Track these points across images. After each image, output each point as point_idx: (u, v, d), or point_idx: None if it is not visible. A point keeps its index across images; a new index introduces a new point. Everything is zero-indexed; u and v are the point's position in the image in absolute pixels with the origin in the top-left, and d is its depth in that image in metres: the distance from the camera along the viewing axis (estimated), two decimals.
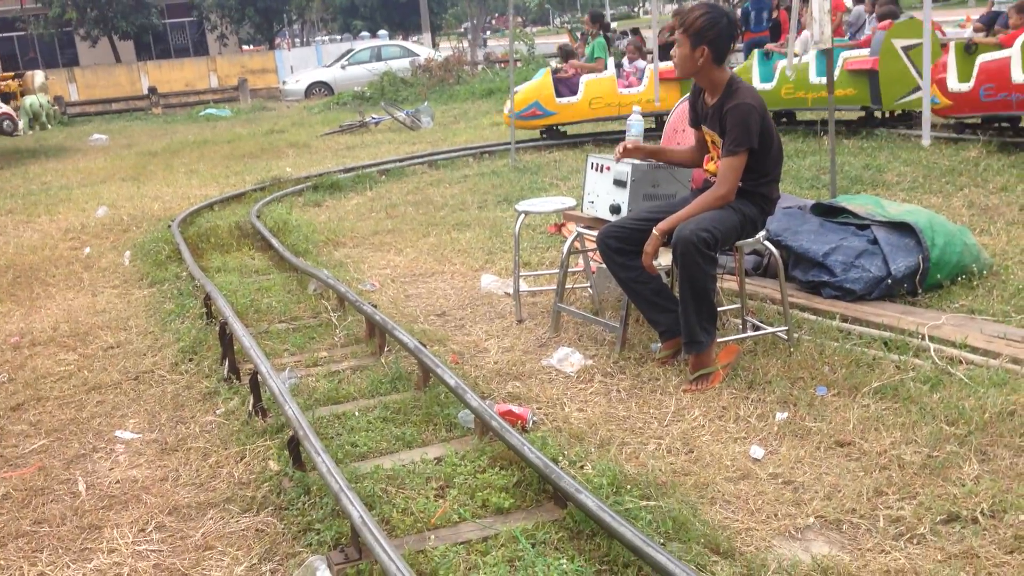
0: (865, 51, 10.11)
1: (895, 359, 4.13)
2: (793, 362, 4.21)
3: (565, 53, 13.64)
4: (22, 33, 35.80)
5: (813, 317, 4.78)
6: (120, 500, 3.49)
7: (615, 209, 4.57)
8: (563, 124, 12.26)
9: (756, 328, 4.58)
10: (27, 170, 14.61)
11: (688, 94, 4.52)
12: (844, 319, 4.67)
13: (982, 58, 8.78)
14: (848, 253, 4.92)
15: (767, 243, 4.43)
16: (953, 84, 9.01)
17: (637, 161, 4.58)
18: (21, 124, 22.56)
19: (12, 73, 25.10)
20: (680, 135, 4.88)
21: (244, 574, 2.94)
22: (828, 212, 5.31)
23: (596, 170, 4.78)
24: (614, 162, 4.63)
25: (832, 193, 6.07)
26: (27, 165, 15.34)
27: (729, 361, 4.20)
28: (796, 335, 4.48)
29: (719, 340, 4.28)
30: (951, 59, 9.10)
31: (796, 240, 5.07)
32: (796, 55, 10.09)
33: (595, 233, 4.50)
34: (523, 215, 5.28)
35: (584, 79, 11.84)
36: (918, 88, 9.62)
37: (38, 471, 3.80)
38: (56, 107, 25.24)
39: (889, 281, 4.79)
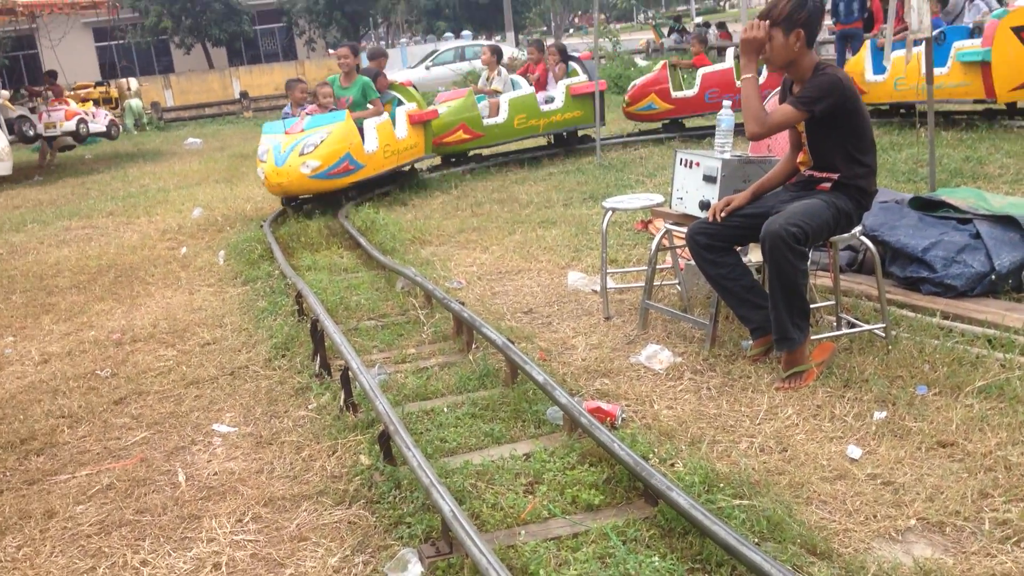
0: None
1: (1000, 357, 3.98)
2: (891, 360, 4.09)
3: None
4: (120, 42, 37.04)
5: (911, 314, 4.64)
6: (218, 491, 3.58)
7: (705, 205, 4.50)
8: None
9: (851, 325, 4.47)
10: (127, 173, 15.10)
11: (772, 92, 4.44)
12: (945, 316, 4.52)
13: None
14: (949, 248, 4.76)
15: (863, 238, 4.30)
16: None
17: (727, 156, 4.51)
18: (128, 124, 23.50)
19: (96, 81, 26.00)
20: (770, 139, 4.81)
21: (337, 565, 2.98)
22: (927, 206, 5.15)
23: (685, 166, 4.71)
24: (703, 157, 4.56)
25: (931, 186, 5.87)
26: (126, 168, 15.85)
27: (823, 359, 4.10)
28: (894, 332, 4.35)
29: (813, 337, 4.18)
30: None
31: (893, 235, 4.92)
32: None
33: (684, 230, 4.45)
34: (610, 212, 5.24)
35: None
36: None
37: (140, 462, 3.91)
38: (151, 112, 26.08)
39: (992, 277, 4.62)
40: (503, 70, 11.55)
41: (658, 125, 12.51)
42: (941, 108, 10.22)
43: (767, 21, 4.03)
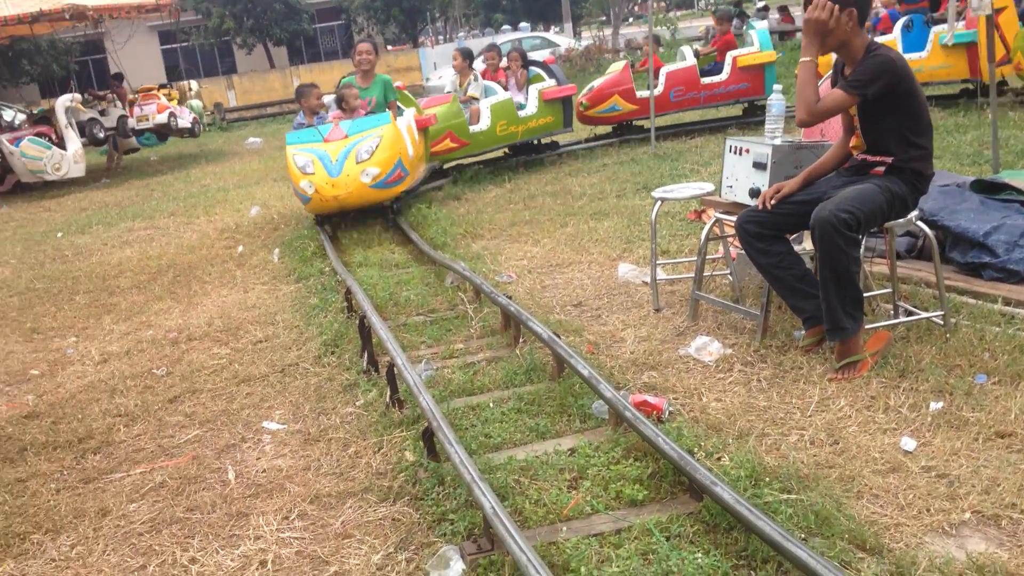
0: None
1: None
2: (949, 349, 3.96)
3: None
4: (184, 44, 37.77)
5: (972, 301, 4.49)
6: (266, 488, 3.61)
7: (755, 193, 4.41)
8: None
9: (909, 313, 4.34)
10: (189, 174, 15.38)
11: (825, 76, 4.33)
12: (1007, 302, 4.37)
13: None
14: (1012, 232, 4.60)
15: (920, 224, 4.17)
16: None
17: (778, 142, 4.40)
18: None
19: (159, 84, 26.53)
20: (823, 123, 4.69)
21: (381, 562, 2.98)
22: (989, 189, 4.98)
23: (735, 153, 4.62)
24: (753, 144, 4.47)
25: (994, 169, 5.69)
26: (189, 169, 16.15)
27: (878, 349, 3.99)
28: (953, 320, 4.21)
29: (868, 327, 4.07)
30: None
31: (953, 219, 4.77)
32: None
33: (734, 218, 4.36)
34: (660, 202, 5.16)
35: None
36: None
37: (192, 460, 3.97)
38: (214, 113, 26.55)
39: None
40: (477, 75, 10.72)
41: (608, 130, 12.11)
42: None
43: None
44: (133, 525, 3.43)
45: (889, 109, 3.87)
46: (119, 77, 20.33)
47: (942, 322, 4.16)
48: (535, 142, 11.16)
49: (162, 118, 19.27)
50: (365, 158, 7.75)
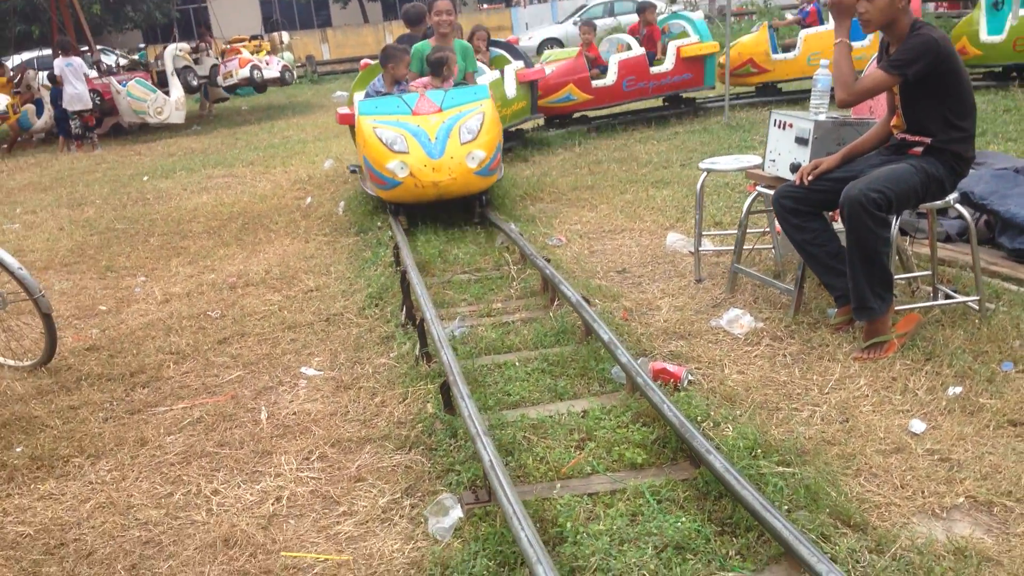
0: None
1: None
2: (981, 335, 3.92)
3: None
4: None
5: (1015, 288, 4.41)
6: (293, 430, 3.79)
7: (795, 168, 4.39)
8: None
9: (948, 297, 4.29)
10: (273, 125, 15.76)
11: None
12: None
13: None
14: None
15: (958, 207, 4.11)
16: None
17: (821, 117, 4.37)
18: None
19: (251, 35, 27.08)
20: (873, 100, 4.64)
21: (386, 505, 3.13)
22: None
23: (779, 127, 4.60)
24: (797, 119, 4.44)
25: None
26: (274, 120, 16.54)
27: (908, 330, 3.97)
28: (991, 306, 4.15)
29: (900, 308, 4.05)
30: None
31: (1003, 204, 4.67)
32: None
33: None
34: (705, 173, 5.17)
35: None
36: None
37: (230, 399, 4.18)
38: (306, 65, 27.00)
39: None
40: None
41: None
42: None
43: None
44: (167, 456, 3.65)
45: (930, 90, 3.81)
46: (208, 28, 20.87)
47: (977, 307, 4.10)
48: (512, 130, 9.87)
49: (244, 72, 19.55)
50: (469, 138, 6.55)
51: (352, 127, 7.72)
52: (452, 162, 6.41)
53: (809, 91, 4.54)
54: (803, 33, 11.55)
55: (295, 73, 25.73)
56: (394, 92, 7.20)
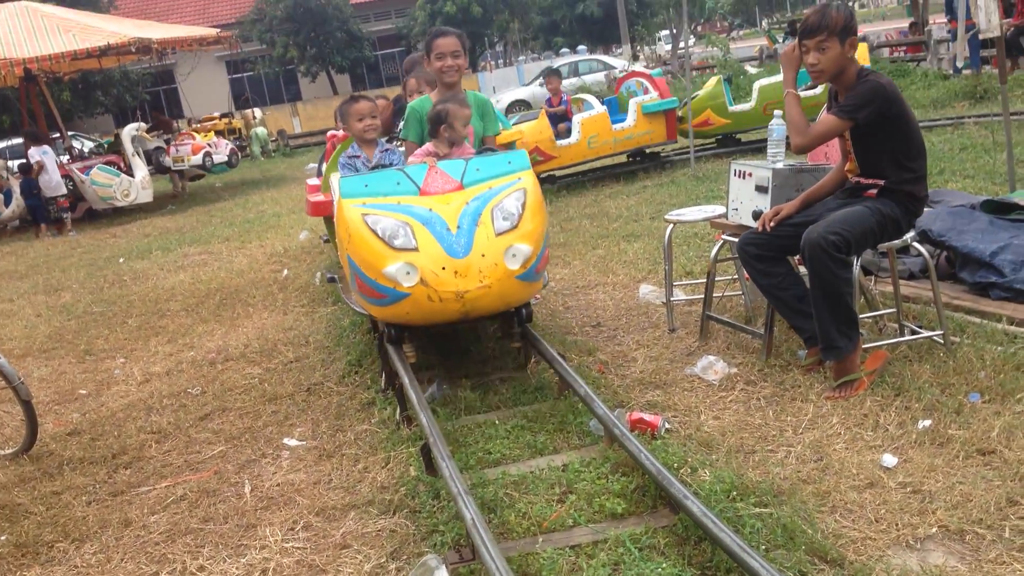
0: None
1: None
2: (948, 368, 4.01)
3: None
4: (250, 74, 38.85)
5: (979, 320, 4.52)
6: (277, 501, 3.81)
7: (757, 215, 4.51)
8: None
9: (913, 332, 4.39)
10: (248, 200, 15.88)
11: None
12: (1011, 322, 4.39)
13: None
14: (1019, 252, 4.62)
15: (916, 244, 4.23)
16: None
17: (779, 165, 4.51)
18: (256, 151, 24.81)
19: (221, 113, 27.43)
20: (828, 147, 4.81)
21: (371, 571, 3.15)
22: (1000, 209, 5.00)
23: (739, 176, 4.73)
24: (756, 168, 4.58)
25: (1011, 187, 5.68)
26: (249, 195, 16.65)
27: (876, 368, 4.06)
28: (956, 340, 4.26)
29: (867, 345, 4.14)
30: None
31: (961, 240, 4.80)
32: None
33: None
34: (672, 225, 5.29)
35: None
36: None
37: (214, 475, 4.20)
38: (277, 139, 27.30)
39: None
40: None
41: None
42: None
43: (824, 33, 4.01)
44: (151, 535, 3.66)
45: (880, 133, 3.96)
46: (165, 114, 21.22)
47: (942, 341, 4.21)
48: None
49: (197, 159, 19.72)
50: (507, 227, 4.31)
51: (330, 218, 5.72)
52: (484, 262, 4.17)
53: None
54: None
55: (269, 148, 26.04)
56: (377, 158, 5.37)
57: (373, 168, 5.20)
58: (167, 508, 3.90)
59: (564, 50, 40.76)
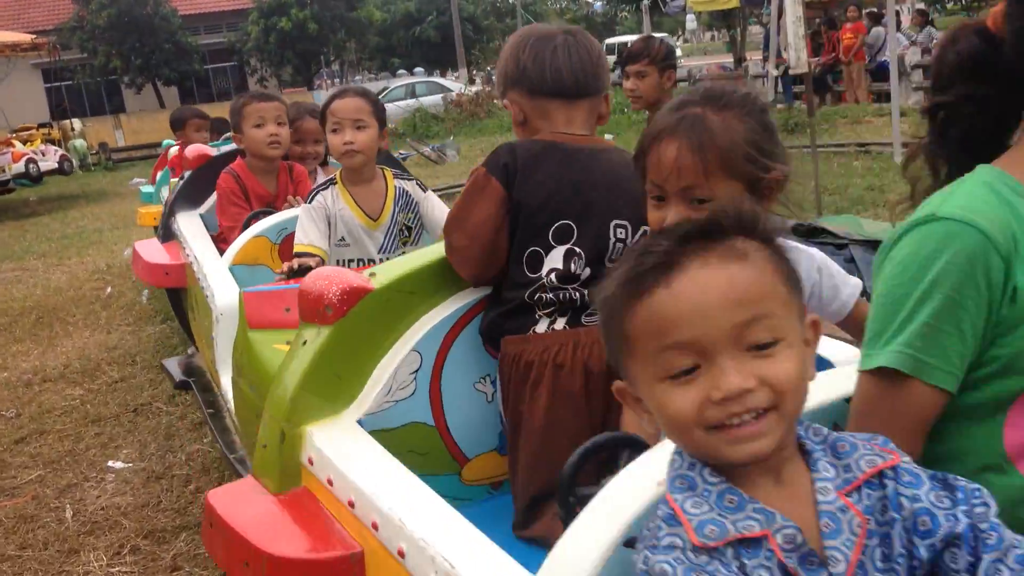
0: None
1: None
2: None
3: None
4: (69, 83, 37.00)
5: None
6: (102, 526, 3.66)
7: None
8: None
9: None
10: (66, 215, 15.09)
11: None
12: None
13: None
14: None
15: None
16: None
17: None
18: (75, 163, 23.59)
19: (39, 123, 26.07)
20: None
21: None
22: (809, 233, 5.39)
23: None
24: None
25: (817, 212, 6.14)
26: (67, 210, 15.83)
27: None
28: None
29: None
30: None
31: None
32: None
33: None
34: None
35: None
36: None
37: (31, 500, 3.99)
38: (98, 152, 26.10)
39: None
40: None
41: None
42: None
43: (646, 60, 4.25)
44: None
45: None
46: None
47: None
48: None
49: (19, 167, 18.57)
50: None
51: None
52: None
53: None
54: None
55: (89, 162, 24.84)
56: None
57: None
58: None
59: (401, 71, 40.89)
